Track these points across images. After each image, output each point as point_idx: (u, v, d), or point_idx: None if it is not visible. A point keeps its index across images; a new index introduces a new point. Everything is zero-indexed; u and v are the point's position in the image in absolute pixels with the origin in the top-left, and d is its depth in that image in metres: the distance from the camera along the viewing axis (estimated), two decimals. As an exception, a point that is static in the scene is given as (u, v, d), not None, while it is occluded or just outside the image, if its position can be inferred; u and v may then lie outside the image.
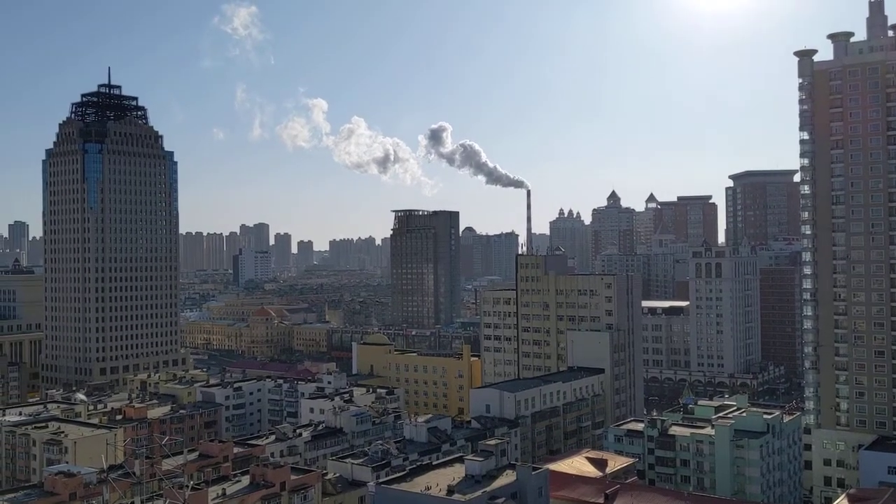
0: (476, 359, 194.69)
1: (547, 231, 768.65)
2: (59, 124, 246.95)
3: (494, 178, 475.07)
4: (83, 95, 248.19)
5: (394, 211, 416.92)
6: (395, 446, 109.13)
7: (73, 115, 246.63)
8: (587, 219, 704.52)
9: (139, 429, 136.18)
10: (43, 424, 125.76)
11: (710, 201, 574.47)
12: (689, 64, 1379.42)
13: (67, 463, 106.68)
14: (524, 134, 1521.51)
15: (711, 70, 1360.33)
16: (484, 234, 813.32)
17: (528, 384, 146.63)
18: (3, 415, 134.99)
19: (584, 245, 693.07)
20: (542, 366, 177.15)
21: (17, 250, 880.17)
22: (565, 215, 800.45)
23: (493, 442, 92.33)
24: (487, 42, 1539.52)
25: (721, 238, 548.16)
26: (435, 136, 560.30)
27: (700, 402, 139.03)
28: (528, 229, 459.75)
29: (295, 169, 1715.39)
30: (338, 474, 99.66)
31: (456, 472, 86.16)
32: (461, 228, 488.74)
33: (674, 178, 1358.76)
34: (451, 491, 79.33)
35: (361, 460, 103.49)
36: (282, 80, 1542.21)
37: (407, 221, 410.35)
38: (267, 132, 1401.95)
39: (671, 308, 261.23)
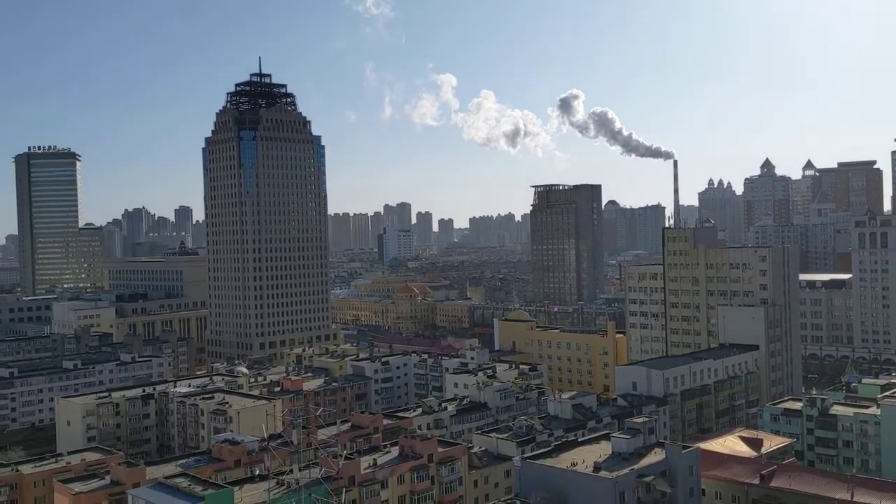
0: (621, 336, 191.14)
1: (695, 202, 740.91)
2: (216, 113, 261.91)
3: (631, 147, 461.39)
4: (237, 85, 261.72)
5: (533, 186, 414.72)
6: (539, 422, 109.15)
7: (228, 104, 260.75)
8: (738, 189, 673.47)
9: (295, 400, 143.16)
10: (209, 395, 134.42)
11: (875, 167, 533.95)
12: (845, 18, 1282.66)
13: (232, 431, 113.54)
14: (666, 102, 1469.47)
15: (870, 23, 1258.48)
16: (628, 207, 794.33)
17: (677, 361, 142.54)
18: (175, 386, 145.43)
19: (736, 217, 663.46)
20: (691, 343, 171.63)
21: (183, 233, 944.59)
22: (715, 186, 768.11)
23: (640, 419, 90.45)
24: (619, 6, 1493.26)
25: (887, 206, 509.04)
26: (565, 105, 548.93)
27: (864, 381, 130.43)
28: (676, 201, 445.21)
29: (431, 146, 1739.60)
30: (483, 448, 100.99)
31: (602, 450, 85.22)
32: (604, 202, 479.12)
33: (833, 144, 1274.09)
34: (597, 468, 78.59)
35: (506, 435, 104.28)
36: (411, 57, 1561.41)
37: (547, 196, 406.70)
38: (398, 111, 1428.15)
39: (832, 281, 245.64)
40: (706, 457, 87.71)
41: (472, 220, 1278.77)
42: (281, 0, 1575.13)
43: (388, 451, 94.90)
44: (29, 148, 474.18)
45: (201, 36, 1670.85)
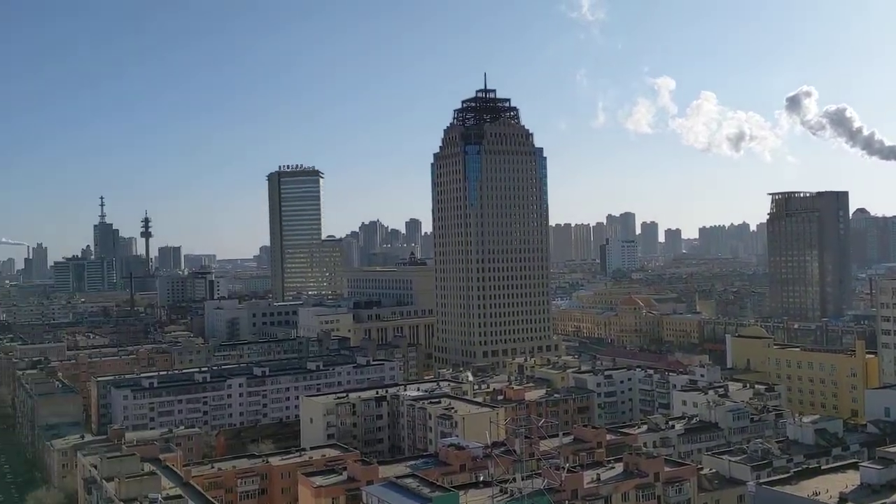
0: (872, 356, 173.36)
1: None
2: (444, 130, 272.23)
3: (875, 149, 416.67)
4: (463, 101, 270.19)
5: (770, 194, 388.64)
6: (776, 446, 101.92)
7: (455, 120, 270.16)
8: None
9: (518, 409, 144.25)
10: (437, 400, 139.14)
11: None
12: None
13: (458, 436, 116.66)
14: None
15: None
16: (880, 215, 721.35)
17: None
18: (405, 389, 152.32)
19: None
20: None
21: (413, 244, 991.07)
22: None
23: (893, 449, 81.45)
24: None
25: None
26: (795, 104, 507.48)
27: None
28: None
29: (649, 153, 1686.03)
30: (713, 470, 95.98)
31: (848, 480, 77.87)
32: (851, 210, 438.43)
33: None
34: (843, 499, 71.85)
35: (740, 458, 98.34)
36: (626, 61, 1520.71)
37: (786, 204, 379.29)
38: (611, 118, 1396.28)
39: None
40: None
41: (702, 230, 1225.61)
42: (497, 11, 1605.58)
43: (612, 467, 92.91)
44: (279, 167, 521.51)
45: (427, 50, 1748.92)
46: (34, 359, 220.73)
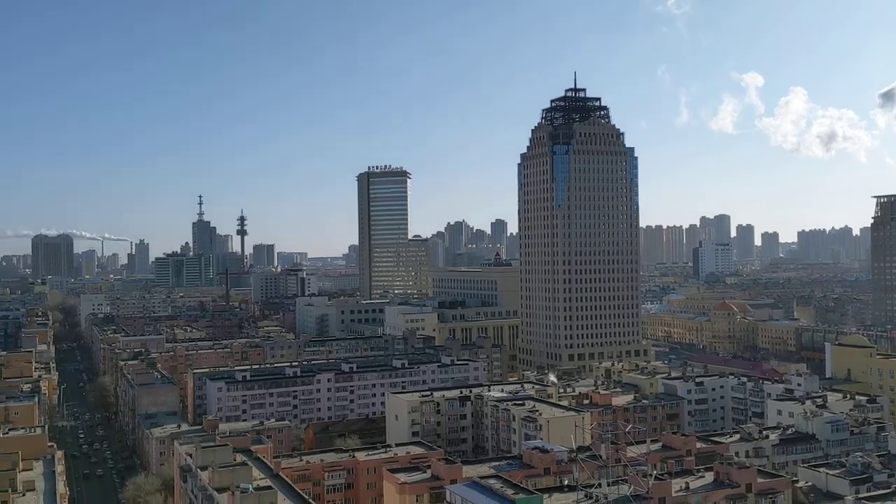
0: None
1: None
2: (532, 129, 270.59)
3: None
4: (552, 101, 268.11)
5: (875, 197, 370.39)
6: (878, 461, 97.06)
7: (543, 119, 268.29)
8: None
9: (604, 414, 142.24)
10: (521, 402, 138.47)
11: None
12: None
13: (542, 440, 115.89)
14: None
15: None
16: None
17: None
18: (489, 390, 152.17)
19: None
20: None
21: (498, 245, 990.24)
22: None
23: None
24: None
25: None
26: (889, 100, 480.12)
27: None
28: None
29: (740, 154, 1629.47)
30: (810, 483, 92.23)
31: (961, 501, 73.34)
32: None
33: None
34: (954, 522, 67.74)
35: (838, 471, 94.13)
36: (711, 57, 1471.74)
37: (891, 208, 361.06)
38: (702, 115, 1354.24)
39: None
40: None
41: (801, 234, 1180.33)
42: (582, 5, 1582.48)
43: (702, 476, 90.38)
44: (369, 168, 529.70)
45: (513, 48, 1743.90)
46: (135, 350, 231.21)
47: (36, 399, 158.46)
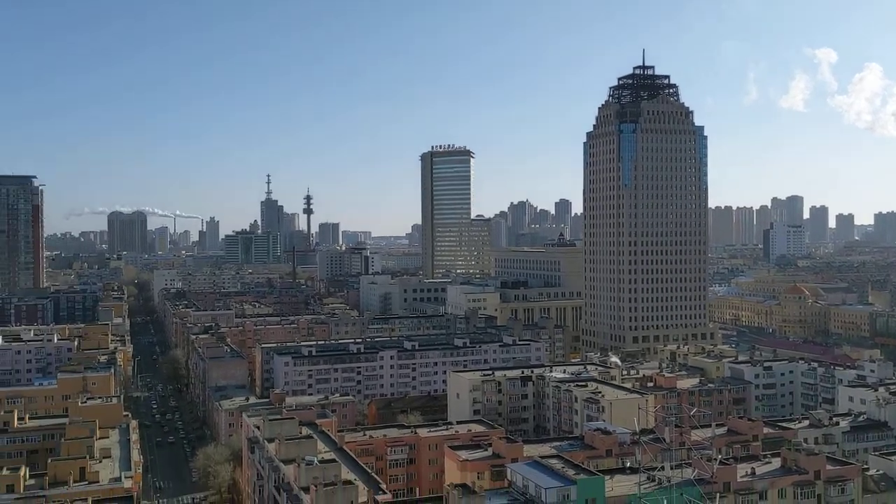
0: None
1: None
2: (598, 108, 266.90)
3: None
4: (619, 79, 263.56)
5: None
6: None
7: (610, 98, 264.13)
8: None
9: (668, 397, 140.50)
10: (583, 383, 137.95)
11: None
12: None
13: (604, 421, 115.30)
14: None
15: None
16: None
17: None
18: (551, 371, 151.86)
19: None
20: None
21: (562, 225, 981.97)
22: None
23: None
24: None
25: None
26: None
27: None
28: None
29: (812, 132, 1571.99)
30: (881, 471, 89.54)
31: None
32: None
33: None
34: None
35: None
36: (780, 30, 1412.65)
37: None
38: (771, 93, 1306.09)
39: None
40: None
41: (878, 216, 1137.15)
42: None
43: (769, 462, 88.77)
44: (432, 147, 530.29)
45: (578, 26, 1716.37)
46: (206, 324, 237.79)
47: (112, 370, 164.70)
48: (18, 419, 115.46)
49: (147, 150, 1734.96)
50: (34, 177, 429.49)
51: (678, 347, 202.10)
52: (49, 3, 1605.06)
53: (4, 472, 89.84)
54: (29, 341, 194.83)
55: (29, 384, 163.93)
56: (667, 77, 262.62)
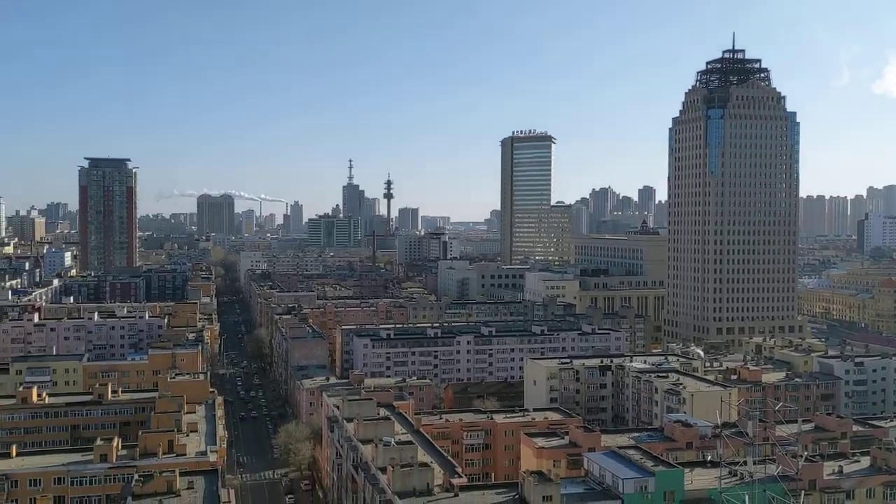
0: None
1: None
2: (685, 93, 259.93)
3: None
4: (708, 63, 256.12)
5: None
6: None
7: (697, 82, 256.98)
8: None
9: (753, 391, 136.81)
10: (664, 374, 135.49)
11: None
12: None
13: (685, 413, 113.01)
14: None
15: None
16: None
17: None
18: (631, 361, 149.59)
19: None
20: None
21: (645, 213, 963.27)
22: None
23: None
24: None
25: None
26: None
27: None
28: None
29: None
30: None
31: None
32: None
33: None
34: None
35: None
36: (872, 14, 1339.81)
37: None
38: (863, 78, 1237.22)
39: None
40: None
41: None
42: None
43: (857, 461, 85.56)
44: (513, 133, 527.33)
45: (663, 8, 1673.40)
46: (289, 305, 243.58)
47: (199, 347, 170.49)
48: (112, 392, 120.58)
49: (234, 135, 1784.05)
50: (128, 160, 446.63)
51: (764, 340, 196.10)
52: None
53: (99, 442, 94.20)
54: (122, 318, 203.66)
55: (122, 359, 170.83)
56: (758, 61, 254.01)
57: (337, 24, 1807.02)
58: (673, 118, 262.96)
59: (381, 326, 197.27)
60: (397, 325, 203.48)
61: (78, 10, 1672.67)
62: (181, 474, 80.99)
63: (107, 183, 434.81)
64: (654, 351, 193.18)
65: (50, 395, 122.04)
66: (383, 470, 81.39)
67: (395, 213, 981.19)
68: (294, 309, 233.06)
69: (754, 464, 79.01)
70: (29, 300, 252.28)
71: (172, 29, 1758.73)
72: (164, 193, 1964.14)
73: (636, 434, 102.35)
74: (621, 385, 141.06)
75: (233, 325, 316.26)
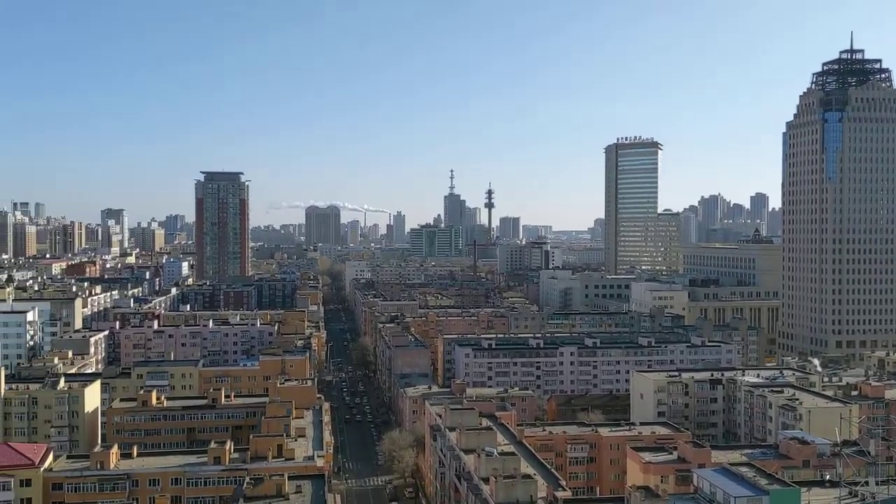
0: None
1: None
2: (800, 95, 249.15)
3: None
4: (824, 64, 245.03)
5: None
6: None
7: (813, 85, 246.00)
8: None
9: (875, 408, 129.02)
10: (779, 389, 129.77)
11: None
12: None
13: (801, 430, 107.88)
14: None
15: None
16: None
17: None
18: (744, 374, 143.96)
19: None
20: None
21: (758, 221, 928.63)
22: None
23: None
24: None
25: None
26: None
27: None
28: None
29: None
30: None
31: None
32: None
33: None
34: None
35: None
36: None
37: None
38: None
39: None
40: None
41: None
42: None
43: None
44: (617, 139, 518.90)
45: (780, 11, 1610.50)
46: (392, 314, 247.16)
47: (307, 354, 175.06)
48: (225, 397, 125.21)
49: (339, 147, 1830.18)
50: (241, 173, 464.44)
51: (888, 354, 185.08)
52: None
53: (213, 444, 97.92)
54: (236, 325, 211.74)
55: (235, 364, 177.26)
56: (878, 61, 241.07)
57: (433, 41, 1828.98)
58: (787, 122, 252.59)
59: (483, 336, 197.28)
60: (498, 335, 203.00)
61: (197, 23, 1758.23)
62: (289, 478, 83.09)
63: (221, 195, 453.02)
64: (768, 365, 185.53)
65: (168, 398, 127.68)
66: (486, 480, 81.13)
67: (495, 223, 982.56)
68: (397, 317, 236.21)
69: (877, 484, 74.70)
70: (149, 308, 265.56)
71: (289, 40, 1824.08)
72: (273, 205, 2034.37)
73: (749, 450, 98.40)
74: (733, 400, 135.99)
75: (339, 332, 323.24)
